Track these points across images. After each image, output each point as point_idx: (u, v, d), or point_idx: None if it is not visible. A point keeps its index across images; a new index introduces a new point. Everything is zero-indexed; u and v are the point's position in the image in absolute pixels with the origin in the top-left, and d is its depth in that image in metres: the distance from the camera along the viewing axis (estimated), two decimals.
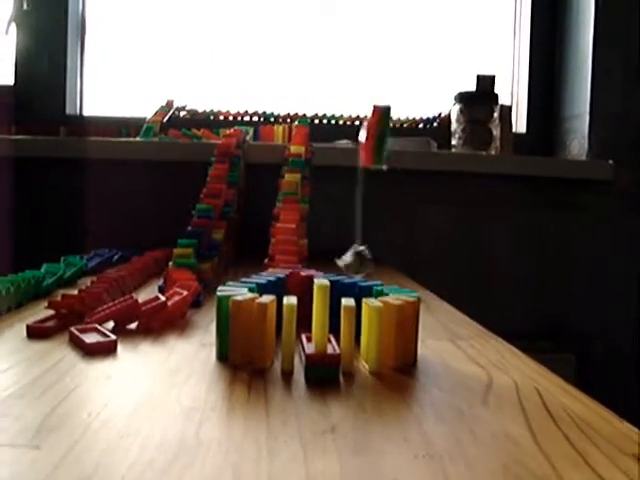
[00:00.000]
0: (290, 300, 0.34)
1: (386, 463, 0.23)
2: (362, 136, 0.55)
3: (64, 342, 0.40)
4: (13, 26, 1.16)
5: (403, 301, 0.36)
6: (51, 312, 0.45)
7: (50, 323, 0.43)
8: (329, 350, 0.34)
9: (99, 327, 0.40)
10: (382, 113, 0.54)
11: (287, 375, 0.34)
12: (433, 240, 1.15)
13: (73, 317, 0.44)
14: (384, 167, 0.53)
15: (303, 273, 0.45)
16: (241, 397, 0.30)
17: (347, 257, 0.54)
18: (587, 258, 1.17)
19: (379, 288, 0.40)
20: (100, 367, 0.35)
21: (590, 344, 1.16)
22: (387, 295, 0.38)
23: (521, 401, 0.30)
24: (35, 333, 0.41)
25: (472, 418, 0.28)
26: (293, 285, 0.44)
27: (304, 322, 0.36)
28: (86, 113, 1.24)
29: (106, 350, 0.37)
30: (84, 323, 0.42)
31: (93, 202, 1.03)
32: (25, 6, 1.16)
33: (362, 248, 0.54)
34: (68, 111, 1.20)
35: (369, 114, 0.55)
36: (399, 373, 0.35)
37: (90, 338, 0.38)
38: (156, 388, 0.31)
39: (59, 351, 0.37)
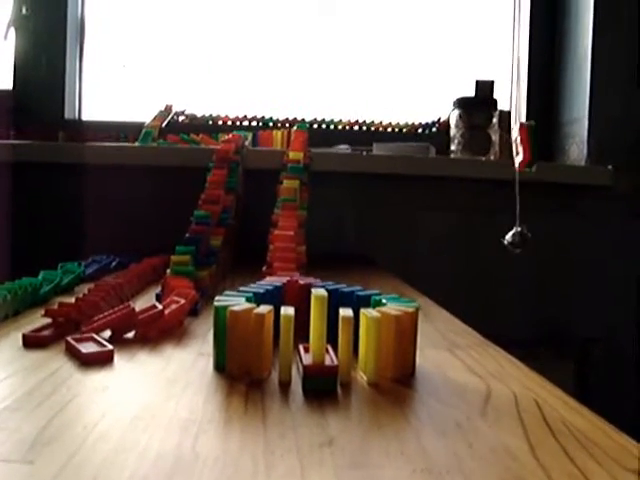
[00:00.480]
0: (287, 310, 0.34)
1: (383, 478, 0.23)
2: (518, 147, 0.69)
3: (61, 351, 0.39)
4: (12, 30, 1.16)
5: (401, 311, 0.36)
6: (48, 320, 0.44)
7: (46, 332, 0.43)
8: (327, 361, 0.34)
9: (96, 336, 0.40)
10: (530, 128, 0.67)
11: (285, 386, 0.34)
12: (432, 245, 1.14)
13: (70, 326, 0.44)
14: (533, 169, 0.68)
15: (301, 281, 0.45)
16: (238, 409, 0.30)
17: (510, 236, 0.64)
18: (586, 263, 1.17)
19: (377, 298, 0.40)
20: (97, 378, 0.34)
21: (590, 349, 1.16)
22: (385, 305, 0.38)
23: (520, 413, 0.30)
24: (31, 342, 0.40)
25: (470, 431, 0.28)
26: (291, 294, 0.44)
27: (302, 331, 0.36)
28: (85, 117, 1.24)
29: (103, 360, 0.37)
30: (81, 332, 0.41)
31: (91, 207, 1.02)
32: (24, 10, 1.16)
33: (522, 228, 0.65)
34: (67, 115, 1.20)
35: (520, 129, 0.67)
36: (397, 384, 0.35)
37: (86, 348, 0.38)
38: (153, 399, 0.31)
39: (55, 361, 0.37)
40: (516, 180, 0.69)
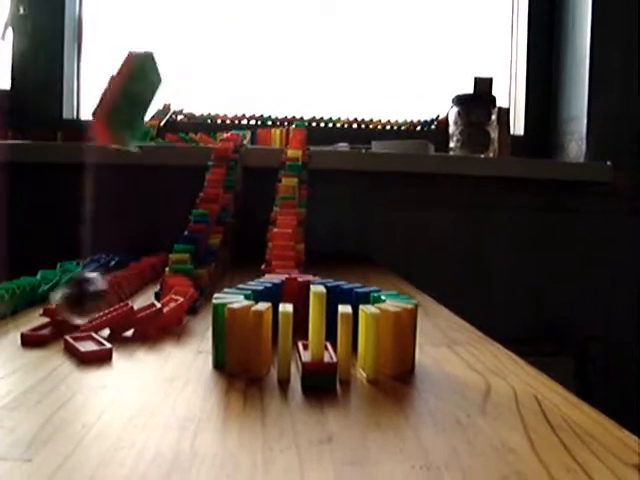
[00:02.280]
0: (286, 308, 0.34)
1: (382, 474, 0.23)
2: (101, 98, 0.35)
3: (59, 350, 0.39)
4: (10, 30, 1.16)
5: (400, 308, 0.36)
6: (46, 319, 0.44)
7: (45, 331, 0.42)
8: (326, 358, 0.34)
9: (94, 335, 0.40)
10: (136, 63, 0.34)
11: (284, 383, 0.33)
12: (431, 243, 1.14)
13: (68, 325, 0.44)
14: (134, 148, 0.34)
15: (300, 279, 0.45)
16: (237, 406, 0.30)
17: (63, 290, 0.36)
18: (586, 259, 1.17)
19: (376, 294, 0.39)
20: (95, 376, 0.34)
21: (590, 346, 1.16)
22: (384, 301, 0.38)
23: (520, 409, 0.30)
24: (30, 341, 0.40)
25: (470, 427, 0.28)
26: (290, 291, 0.43)
27: (301, 328, 0.36)
28: (83, 117, 1.24)
29: (101, 359, 0.37)
30: (79, 331, 0.41)
31: (90, 207, 1.02)
32: (22, 10, 1.15)
33: (88, 276, 0.35)
34: (65, 115, 1.19)
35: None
36: (396, 381, 0.35)
37: (85, 346, 0.38)
38: (151, 398, 0.31)
39: (54, 360, 0.37)
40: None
